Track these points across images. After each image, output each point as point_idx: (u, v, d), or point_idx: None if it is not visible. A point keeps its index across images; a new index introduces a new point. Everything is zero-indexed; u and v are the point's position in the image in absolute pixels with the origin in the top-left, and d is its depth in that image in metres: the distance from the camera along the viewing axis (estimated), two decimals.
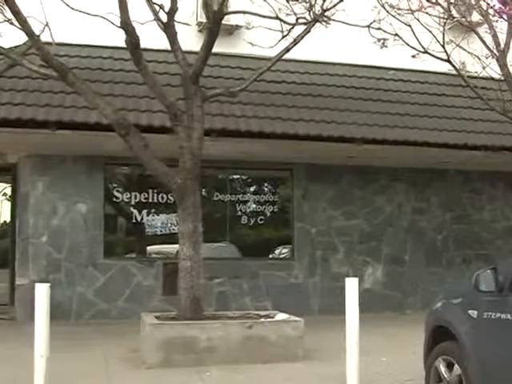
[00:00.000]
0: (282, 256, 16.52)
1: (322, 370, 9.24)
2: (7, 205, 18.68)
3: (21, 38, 12.21)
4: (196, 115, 10.48)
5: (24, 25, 10.64)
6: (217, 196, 15.90)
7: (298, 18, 12.20)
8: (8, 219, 18.17)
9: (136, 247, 15.94)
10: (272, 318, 10.63)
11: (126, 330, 12.01)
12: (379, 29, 13.09)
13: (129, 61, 11.84)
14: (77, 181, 14.79)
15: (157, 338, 9.57)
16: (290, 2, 12.24)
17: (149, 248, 15.83)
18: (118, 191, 15.58)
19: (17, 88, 13.27)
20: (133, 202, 15.45)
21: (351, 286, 7.85)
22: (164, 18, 10.90)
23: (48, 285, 8.16)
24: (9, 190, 18.83)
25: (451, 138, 14.61)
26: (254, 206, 16.34)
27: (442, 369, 6.28)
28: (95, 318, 14.49)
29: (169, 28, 10.83)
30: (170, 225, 15.68)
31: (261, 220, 16.32)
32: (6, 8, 10.98)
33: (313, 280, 15.95)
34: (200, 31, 15.11)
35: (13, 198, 16.21)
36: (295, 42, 11.78)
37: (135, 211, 15.49)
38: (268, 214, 16.39)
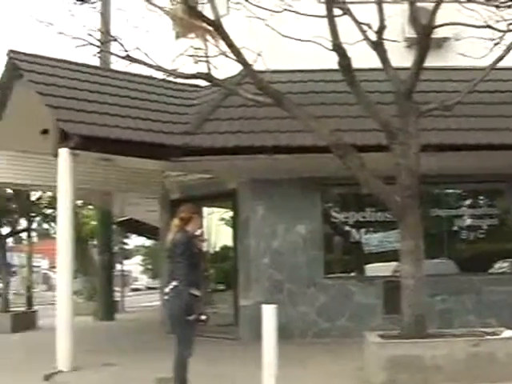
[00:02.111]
0: (502, 270, 15.95)
1: None
2: (225, 229, 19.31)
3: (233, 68, 12.72)
4: (412, 131, 10.40)
5: (238, 55, 11.09)
6: (433, 212, 15.63)
7: (509, 24, 11.87)
8: (227, 243, 18.80)
9: (355, 266, 16.01)
10: (498, 335, 10.30)
11: (349, 349, 12.01)
12: None
13: (340, 82, 11.96)
14: (295, 203, 15.10)
15: (381, 357, 9.52)
16: (500, 8, 11.93)
17: (367, 266, 15.85)
18: (335, 211, 15.81)
19: (233, 117, 13.81)
20: (350, 222, 15.62)
21: None
22: (372, 36, 10.94)
23: (274, 306, 8.38)
24: (227, 215, 19.45)
25: None
26: (471, 220, 15.94)
27: None
28: (317, 337, 14.64)
29: (378, 46, 10.86)
30: (386, 242, 15.63)
31: (478, 234, 15.90)
32: (221, 42, 11.49)
33: None
34: (408, 47, 15.02)
35: (233, 223, 16.74)
36: (508, 49, 11.45)
37: (353, 230, 15.68)
38: (485, 228, 15.94)
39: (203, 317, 8.16)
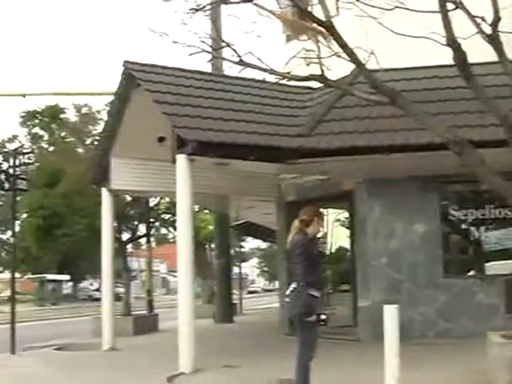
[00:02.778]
0: None
1: None
2: (342, 230, 19.28)
3: (346, 68, 12.67)
4: None
5: (351, 55, 11.05)
6: None
7: None
8: (343, 244, 18.77)
9: (475, 265, 15.68)
10: None
11: (470, 350, 11.77)
12: None
13: (454, 78, 11.81)
14: (412, 202, 14.93)
15: (504, 358, 9.26)
16: None
17: (488, 265, 15.49)
18: (453, 209, 15.57)
19: (348, 117, 13.78)
20: (469, 219, 15.34)
21: None
22: (487, 29, 10.71)
23: (396, 306, 8.30)
24: (343, 216, 19.40)
25: None
26: None
27: None
28: (437, 338, 14.41)
29: (494, 39, 10.63)
30: (507, 240, 15.29)
31: None
32: (333, 42, 11.48)
33: None
34: None
35: (350, 224, 16.70)
36: None
37: (472, 228, 15.42)
38: None
39: (323, 316, 8.11)
